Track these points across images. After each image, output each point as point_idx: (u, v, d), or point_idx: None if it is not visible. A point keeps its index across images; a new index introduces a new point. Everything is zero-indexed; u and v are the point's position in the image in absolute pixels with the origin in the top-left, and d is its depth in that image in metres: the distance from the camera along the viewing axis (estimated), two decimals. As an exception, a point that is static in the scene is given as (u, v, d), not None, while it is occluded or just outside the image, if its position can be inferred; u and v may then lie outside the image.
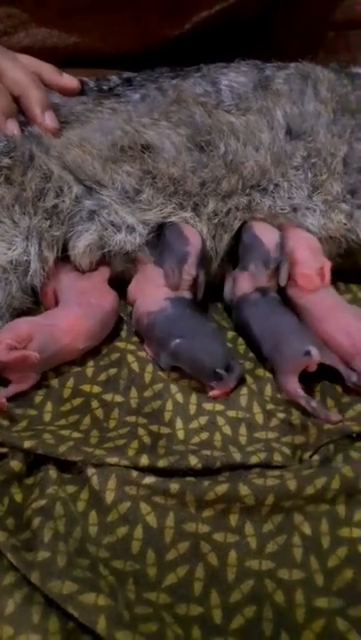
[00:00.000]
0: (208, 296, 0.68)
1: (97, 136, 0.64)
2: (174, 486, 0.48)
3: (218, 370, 0.56)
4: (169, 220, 0.63)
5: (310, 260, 0.64)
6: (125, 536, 0.47)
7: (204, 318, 0.63)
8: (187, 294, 0.63)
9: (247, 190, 0.64)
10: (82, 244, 0.62)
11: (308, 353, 0.55)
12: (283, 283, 0.63)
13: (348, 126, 0.67)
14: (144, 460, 0.50)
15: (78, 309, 0.59)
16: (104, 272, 0.64)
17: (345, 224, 0.66)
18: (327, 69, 0.71)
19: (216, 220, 0.64)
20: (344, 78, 0.70)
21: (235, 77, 0.68)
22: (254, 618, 0.43)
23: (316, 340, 0.58)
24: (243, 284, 0.64)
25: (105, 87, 0.71)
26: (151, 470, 0.50)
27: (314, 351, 0.55)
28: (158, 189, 0.63)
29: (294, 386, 0.56)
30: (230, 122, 0.65)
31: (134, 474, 0.49)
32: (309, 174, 0.65)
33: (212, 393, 0.57)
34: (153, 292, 0.62)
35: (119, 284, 0.65)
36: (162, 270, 0.62)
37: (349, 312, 0.62)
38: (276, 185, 0.65)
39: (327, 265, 0.64)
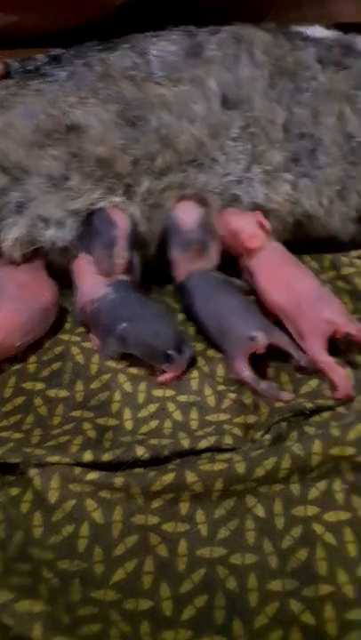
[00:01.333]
0: (158, 278, 0.66)
1: (21, 121, 0.61)
2: (119, 480, 0.47)
3: (169, 351, 0.55)
4: (97, 206, 0.61)
5: (245, 221, 0.62)
6: (71, 535, 0.45)
7: (149, 300, 0.61)
8: (126, 277, 0.61)
9: (183, 166, 0.62)
10: (11, 237, 0.59)
11: (252, 339, 0.54)
12: (213, 263, 0.61)
13: (287, 90, 0.64)
14: (87, 456, 0.48)
15: (11, 305, 0.57)
16: (40, 264, 0.61)
17: (291, 195, 0.64)
18: (263, 30, 0.67)
19: (151, 201, 0.62)
20: (281, 39, 0.67)
21: (165, 46, 0.65)
22: (206, 607, 0.42)
23: (262, 322, 0.56)
24: (178, 268, 0.62)
25: (30, 67, 0.67)
26: (97, 465, 0.48)
27: (259, 336, 0.54)
28: (86, 174, 0.60)
29: (242, 368, 0.54)
30: (161, 94, 0.62)
31: (77, 470, 0.47)
32: (248, 145, 0.63)
33: (162, 377, 0.56)
34: (91, 279, 0.60)
35: (61, 274, 0.63)
36: (89, 257, 0.60)
37: (293, 267, 0.61)
38: (213, 159, 0.62)
39: (258, 214, 0.62)
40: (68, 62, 0.67)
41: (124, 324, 0.56)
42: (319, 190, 0.64)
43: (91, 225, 0.61)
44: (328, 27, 0.72)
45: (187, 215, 0.62)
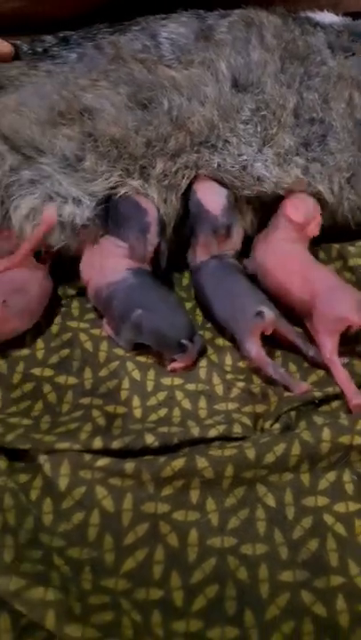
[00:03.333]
0: (166, 266, 0.65)
1: (34, 100, 0.60)
2: (130, 465, 0.46)
3: (182, 341, 0.54)
4: (117, 191, 0.60)
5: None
6: (81, 522, 0.45)
7: (166, 289, 0.61)
8: (147, 266, 0.60)
9: (196, 147, 0.61)
10: (25, 206, 0.58)
11: (259, 313, 0.53)
12: (236, 247, 0.61)
13: (298, 75, 0.63)
14: (97, 443, 0.48)
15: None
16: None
17: (302, 179, 0.63)
18: (273, 15, 0.66)
19: (166, 182, 0.61)
20: (291, 24, 0.66)
21: (175, 29, 0.64)
22: (217, 597, 0.42)
23: (270, 304, 0.56)
24: (198, 252, 0.62)
25: (39, 49, 0.66)
26: (105, 453, 0.48)
27: (266, 311, 0.53)
28: (101, 154, 0.59)
29: (259, 352, 0.54)
30: (172, 77, 0.61)
31: (87, 457, 0.47)
32: (259, 128, 0.62)
33: (172, 365, 0.55)
34: (112, 263, 0.59)
35: (60, 260, 0.62)
36: (119, 242, 0.60)
37: (307, 258, 0.61)
38: (226, 141, 0.61)
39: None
40: (77, 44, 0.65)
41: (140, 311, 0.55)
42: (330, 176, 0.64)
43: (116, 211, 0.60)
44: (337, 14, 0.71)
45: (212, 197, 0.61)
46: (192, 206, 0.61)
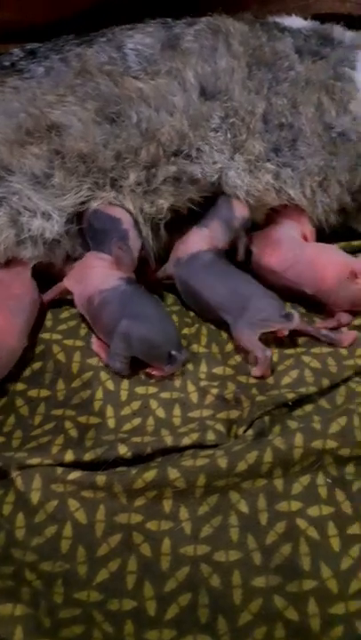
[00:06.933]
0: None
1: (1, 119, 0.60)
2: (101, 478, 0.46)
3: (173, 352, 0.54)
4: (89, 204, 0.60)
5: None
6: (54, 536, 0.45)
7: (156, 298, 0.61)
8: (134, 276, 0.61)
9: (171, 158, 0.61)
10: None
11: (288, 316, 0.55)
12: (241, 258, 0.63)
13: (265, 80, 0.64)
14: (69, 456, 0.48)
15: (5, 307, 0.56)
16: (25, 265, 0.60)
17: (273, 184, 0.64)
18: (240, 21, 0.67)
19: (140, 191, 0.61)
20: (258, 30, 0.66)
21: (141, 39, 0.64)
22: (189, 605, 0.42)
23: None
24: (199, 240, 0.63)
25: (6, 63, 0.66)
26: (79, 465, 0.48)
27: (295, 316, 0.55)
28: (69, 170, 0.59)
29: (256, 342, 0.56)
30: (139, 88, 0.61)
31: (59, 470, 0.47)
32: (229, 135, 0.62)
33: (149, 370, 0.55)
34: (101, 273, 0.59)
35: (45, 272, 0.62)
36: (102, 255, 0.60)
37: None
38: (198, 149, 0.62)
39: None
40: (45, 57, 0.65)
41: (130, 321, 0.54)
42: (302, 180, 0.64)
43: (91, 227, 0.61)
44: (306, 17, 0.72)
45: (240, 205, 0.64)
46: (221, 201, 0.64)
